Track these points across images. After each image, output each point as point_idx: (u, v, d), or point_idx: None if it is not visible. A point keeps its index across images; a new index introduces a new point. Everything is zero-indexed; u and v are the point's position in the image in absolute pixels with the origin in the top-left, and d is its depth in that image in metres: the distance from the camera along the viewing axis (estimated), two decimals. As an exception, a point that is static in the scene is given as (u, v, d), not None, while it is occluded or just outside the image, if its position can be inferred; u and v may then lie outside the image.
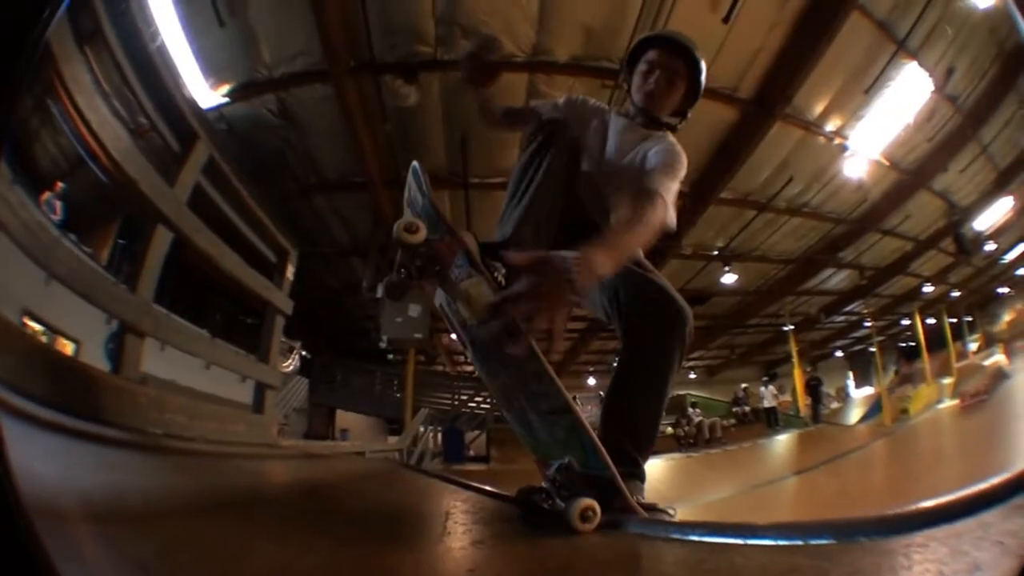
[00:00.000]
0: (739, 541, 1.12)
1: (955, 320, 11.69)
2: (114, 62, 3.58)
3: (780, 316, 12.09)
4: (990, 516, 0.86)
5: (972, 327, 11.87)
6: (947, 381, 10.97)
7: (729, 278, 10.30)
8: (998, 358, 10.44)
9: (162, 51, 4.53)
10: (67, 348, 4.20)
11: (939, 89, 7.01)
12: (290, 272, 5.77)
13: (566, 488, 1.45)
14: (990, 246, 10.07)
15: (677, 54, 1.97)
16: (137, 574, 1.03)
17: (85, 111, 2.90)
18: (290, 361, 8.64)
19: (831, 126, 7.61)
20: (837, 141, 7.77)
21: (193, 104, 4.62)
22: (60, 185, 4.72)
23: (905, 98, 7.08)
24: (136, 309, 3.39)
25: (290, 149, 7.37)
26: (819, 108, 7.32)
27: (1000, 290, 11.37)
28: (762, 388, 12.65)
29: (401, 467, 6.41)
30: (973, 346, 11.61)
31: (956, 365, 11.15)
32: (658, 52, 1.98)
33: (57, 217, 4.54)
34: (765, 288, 11.43)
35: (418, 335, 8.60)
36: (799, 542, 1.04)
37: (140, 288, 3.47)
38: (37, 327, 3.90)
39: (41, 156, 4.70)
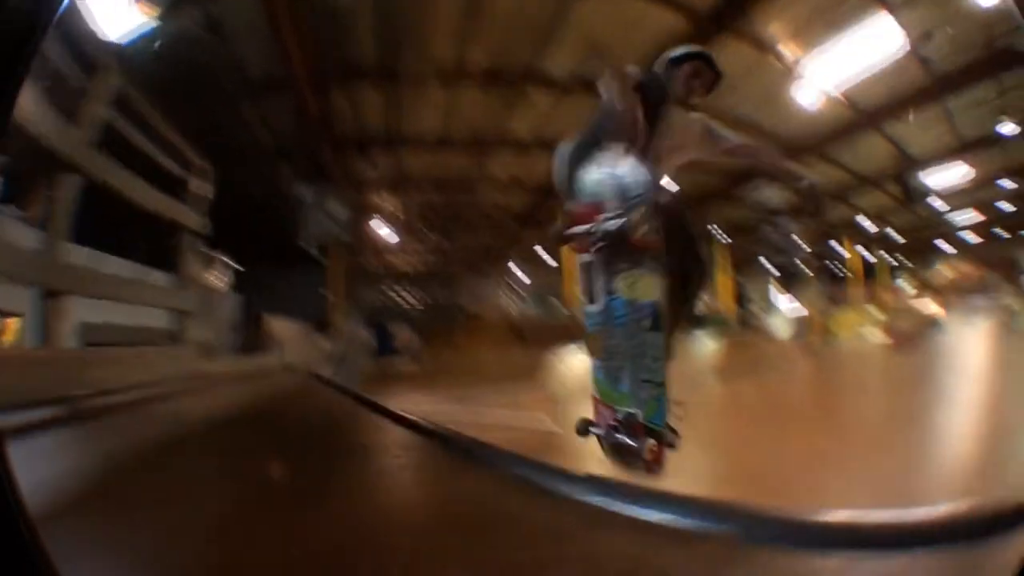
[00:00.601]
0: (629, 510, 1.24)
1: (893, 260, 11.73)
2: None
3: (711, 223, 12.20)
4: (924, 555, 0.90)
5: (908, 271, 12.22)
6: (876, 313, 11.09)
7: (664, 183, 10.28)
8: (934, 308, 10.75)
9: None
10: (13, 325, 3.99)
11: (913, 48, 7.00)
12: (207, 191, 5.51)
13: (624, 429, 1.95)
14: (938, 203, 10.08)
15: (711, 66, 2.55)
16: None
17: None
18: (221, 278, 8.40)
19: (789, 52, 7.49)
20: (793, 67, 7.66)
21: (100, 37, 4.14)
22: None
23: (874, 45, 6.92)
24: (49, 270, 3.24)
25: (218, 61, 6.82)
26: (779, 31, 7.15)
27: (942, 245, 11.50)
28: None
29: (324, 385, 6.39)
30: (908, 288, 11.78)
31: (888, 301, 11.29)
32: (699, 63, 2.54)
33: None
34: (697, 196, 11.56)
35: (342, 235, 8.51)
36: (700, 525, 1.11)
37: (55, 245, 3.28)
38: None
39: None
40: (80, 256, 3.94)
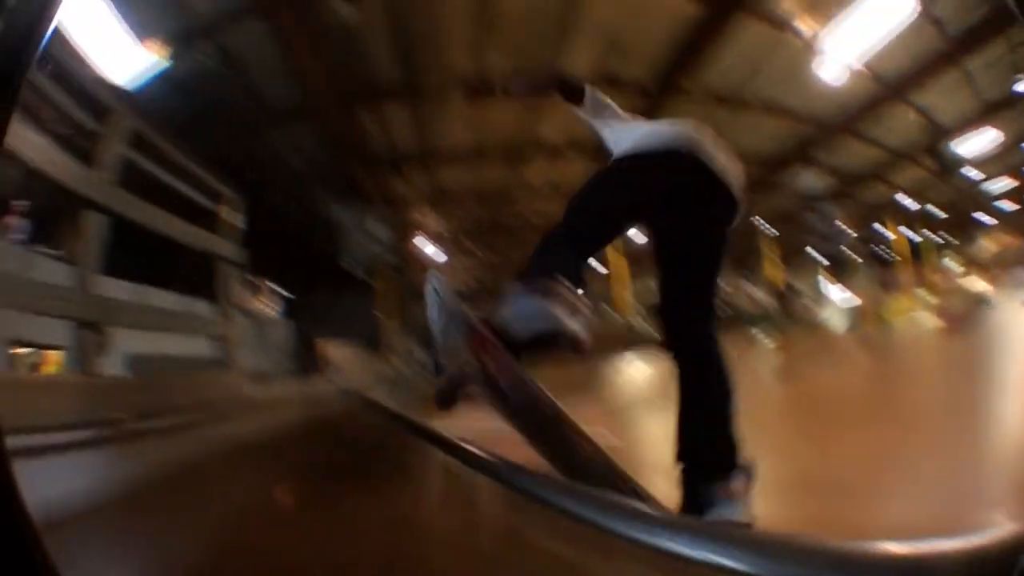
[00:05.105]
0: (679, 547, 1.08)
1: (936, 237, 11.43)
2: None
3: (756, 215, 11.88)
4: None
5: (953, 248, 11.83)
6: (925, 295, 10.82)
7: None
8: (981, 284, 10.40)
9: (66, 48, 4.26)
10: (54, 358, 4.27)
11: (924, 10, 6.70)
12: (238, 220, 5.71)
13: None
14: (974, 172, 9.81)
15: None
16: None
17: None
18: (270, 304, 8.64)
19: (806, 28, 7.29)
20: (812, 43, 7.47)
21: (107, 84, 4.42)
22: (18, 205, 4.62)
23: (887, 10, 6.73)
24: (80, 304, 3.44)
25: (236, 92, 7.09)
26: (793, 7, 6.99)
27: (982, 218, 11.17)
28: (745, 285, 12.39)
29: (375, 409, 6.33)
30: (954, 267, 11.46)
31: (937, 282, 11.00)
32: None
33: (24, 235, 4.52)
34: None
35: (386, 255, 8.54)
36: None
37: (83, 280, 3.49)
38: (26, 350, 4.00)
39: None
40: (119, 289, 4.19)
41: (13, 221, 4.57)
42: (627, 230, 2.06)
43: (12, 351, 3.67)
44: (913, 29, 6.75)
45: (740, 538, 1.05)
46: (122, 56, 5.31)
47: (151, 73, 5.79)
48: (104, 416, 3.02)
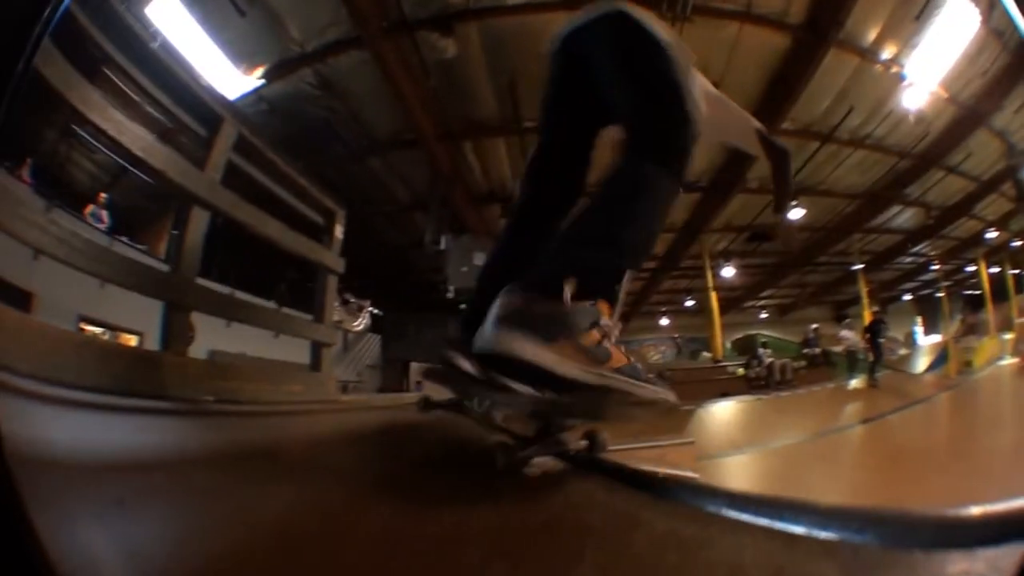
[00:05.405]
0: (753, 519, 1.10)
1: (1018, 271, 10.88)
2: (125, 76, 3.80)
3: (849, 254, 11.52)
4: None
5: None
6: (1008, 336, 10.44)
7: (796, 213, 9.94)
8: None
9: (171, 54, 4.72)
10: (131, 341, 4.60)
11: (985, 22, 6.44)
12: (339, 232, 5.90)
13: None
14: None
15: None
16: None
17: (103, 125, 3.10)
18: (361, 319, 8.89)
19: (886, 54, 7.12)
20: (894, 70, 7.28)
21: (214, 93, 4.82)
22: (103, 196, 5.11)
23: (954, 28, 6.56)
24: (176, 287, 3.65)
25: (336, 117, 7.50)
26: (872, 35, 6.87)
27: None
28: (844, 331, 12.13)
29: (461, 416, 6.46)
30: None
31: (1017, 320, 10.56)
32: None
33: (105, 224, 4.97)
34: (833, 224, 10.97)
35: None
36: (832, 535, 0.95)
37: (182, 267, 3.74)
38: (95, 329, 4.34)
39: (78, 176, 5.05)
40: (212, 286, 4.45)
41: (96, 211, 5.04)
42: (580, 127, 2.04)
43: (82, 327, 3.98)
44: (979, 44, 6.92)
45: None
46: (226, 74, 5.82)
47: (255, 92, 6.30)
48: (186, 393, 3.15)
